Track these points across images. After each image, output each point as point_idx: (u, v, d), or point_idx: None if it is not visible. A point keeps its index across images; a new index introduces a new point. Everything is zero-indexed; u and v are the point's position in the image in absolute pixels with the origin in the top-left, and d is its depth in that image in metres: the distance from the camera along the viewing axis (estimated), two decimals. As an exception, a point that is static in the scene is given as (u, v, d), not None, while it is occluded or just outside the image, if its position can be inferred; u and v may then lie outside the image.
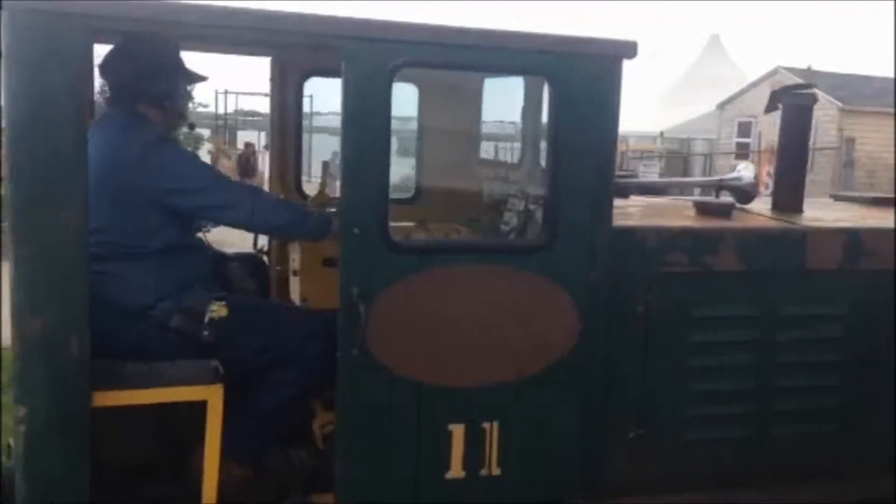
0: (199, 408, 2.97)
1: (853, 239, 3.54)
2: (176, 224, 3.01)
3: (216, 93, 25.38)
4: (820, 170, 22.20)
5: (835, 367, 3.58)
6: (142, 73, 3.02)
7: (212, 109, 24.45)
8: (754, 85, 27.99)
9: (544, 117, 3.74)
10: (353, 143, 2.80)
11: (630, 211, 3.66)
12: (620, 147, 26.06)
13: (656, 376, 3.34)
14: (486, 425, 3.06)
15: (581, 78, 2.96)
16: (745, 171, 3.91)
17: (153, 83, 3.05)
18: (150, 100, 3.07)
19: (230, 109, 25.38)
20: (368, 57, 2.75)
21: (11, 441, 3.40)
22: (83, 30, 2.54)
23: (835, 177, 22.66)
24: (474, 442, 3.05)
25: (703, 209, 3.64)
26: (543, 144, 3.80)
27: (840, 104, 23.21)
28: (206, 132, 22.36)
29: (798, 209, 3.83)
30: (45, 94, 2.51)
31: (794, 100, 3.79)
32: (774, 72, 27.05)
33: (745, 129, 27.87)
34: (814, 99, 3.74)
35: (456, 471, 3.05)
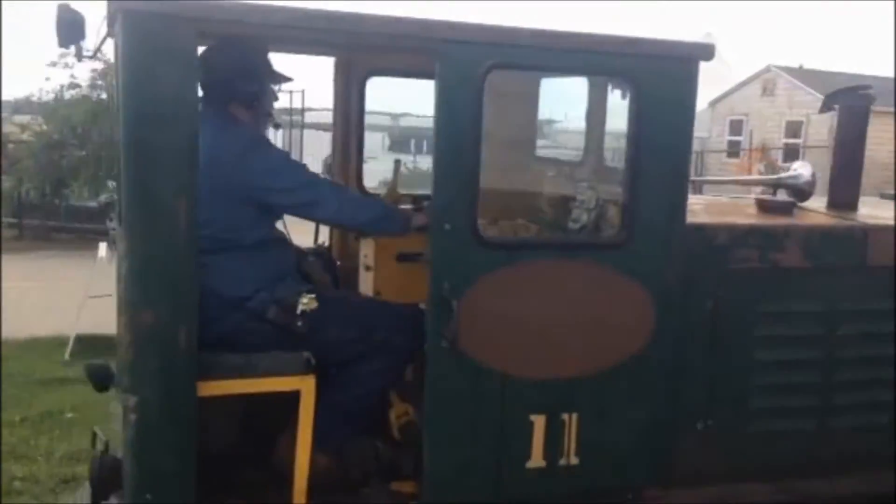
0: (282, 397, 3.07)
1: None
2: (268, 219, 3.12)
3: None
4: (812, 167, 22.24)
5: (891, 360, 3.68)
6: (235, 73, 3.11)
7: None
8: (745, 83, 28.08)
9: (608, 117, 3.86)
10: (445, 142, 2.90)
11: (695, 208, 3.76)
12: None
13: (723, 370, 3.44)
14: (565, 416, 3.16)
15: (661, 79, 3.06)
16: (802, 169, 4.01)
17: (245, 84, 3.14)
18: (242, 100, 3.16)
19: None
20: (462, 59, 2.85)
21: (98, 430, 3.52)
22: (192, 31, 2.63)
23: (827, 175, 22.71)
24: (554, 432, 3.15)
25: (764, 207, 3.74)
26: (607, 143, 3.92)
27: (831, 103, 23.12)
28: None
29: (853, 207, 3.93)
30: (161, 92, 2.61)
31: (850, 101, 3.89)
32: (766, 70, 27.14)
33: (736, 127, 27.91)
34: (871, 100, 3.84)
35: (536, 460, 3.15)
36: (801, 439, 3.60)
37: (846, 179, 3.94)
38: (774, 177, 4.06)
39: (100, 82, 15.27)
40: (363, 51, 3.96)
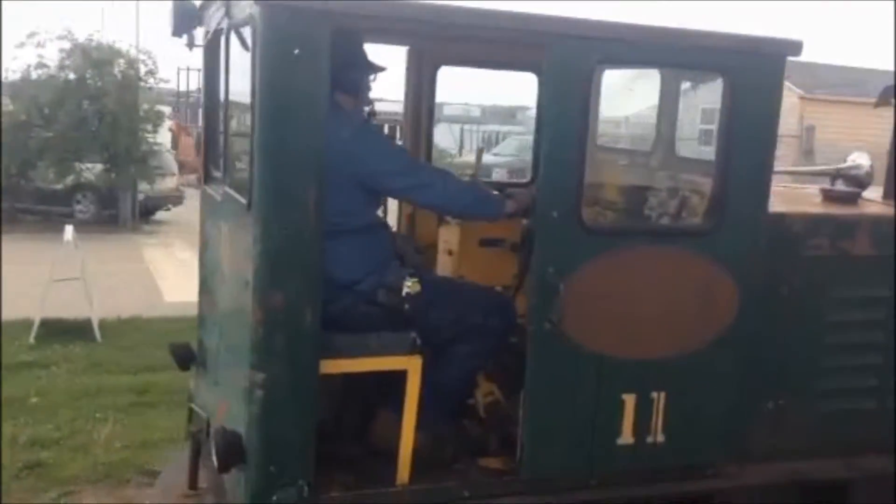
0: (378, 375, 3.20)
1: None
2: (374, 204, 3.25)
3: (178, 70, 25.23)
4: (780, 158, 22.50)
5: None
6: (341, 63, 3.22)
7: (173, 86, 24.33)
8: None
9: (679, 109, 4.01)
10: (554, 133, 3.04)
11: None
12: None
13: (794, 352, 3.61)
14: (654, 395, 3.32)
15: (752, 74, 3.20)
16: (861, 159, 4.18)
17: (350, 73, 3.25)
18: (346, 89, 3.27)
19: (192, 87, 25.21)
20: (572, 53, 2.98)
21: (196, 406, 3.64)
22: (328, 26, 2.74)
23: (796, 165, 23.09)
24: (644, 410, 3.31)
25: (830, 197, 3.91)
26: (678, 133, 4.07)
27: (801, 92, 23.44)
28: (167, 109, 22.59)
29: (901, 197, 4.11)
30: (297, 86, 2.72)
31: (907, 96, 4.07)
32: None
33: (708, 116, 28.08)
34: (927, 95, 4.02)
35: (626, 437, 3.31)
36: (863, 418, 3.79)
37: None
38: (834, 167, 4.23)
39: (68, 62, 15.12)
40: (440, 41, 4.08)
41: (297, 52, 2.71)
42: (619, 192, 4.00)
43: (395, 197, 3.37)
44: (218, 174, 3.67)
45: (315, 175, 2.80)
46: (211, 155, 3.92)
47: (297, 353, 2.89)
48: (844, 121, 22.81)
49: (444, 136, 23.64)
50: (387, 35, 3.61)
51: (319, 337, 2.89)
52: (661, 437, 3.35)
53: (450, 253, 3.84)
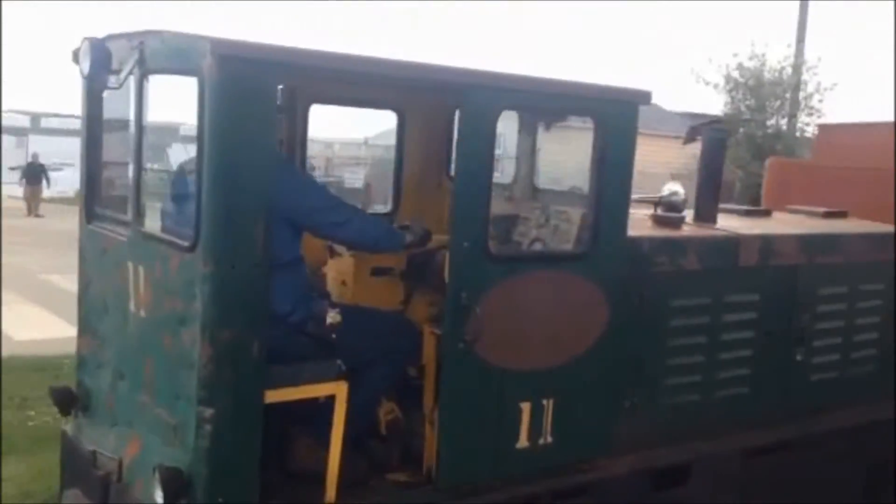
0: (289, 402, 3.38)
1: (766, 242, 4.65)
2: (298, 238, 3.42)
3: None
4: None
5: (752, 341, 4.65)
6: None
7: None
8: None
9: (536, 145, 4.52)
10: (465, 171, 3.40)
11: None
12: (326, 153, 26.66)
13: (645, 355, 4.21)
14: (544, 402, 3.75)
15: (615, 117, 3.75)
16: (677, 187, 4.89)
17: None
18: None
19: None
20: (482, 101, 3.35)
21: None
22: (277, 75, 2.93)
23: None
24: (537, 416, 3.73)
25: (660, 221, 4.56)
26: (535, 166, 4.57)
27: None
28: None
29: (714, 220, 4.87)
30: (246, 128, 2.88)
31: (712, 133, 4.85)
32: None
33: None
34: (728, 133, 4.80)
35: (523, 441, 3.72)
36: (698, 408, 4.46)
37: (709, 197, 4.87)
38: (657, 196, 4.91)
39: None
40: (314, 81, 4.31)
41: (247, 100, 2.87)
42: (510, 222, 4.39)
43: (317, 233, 3.56)
44: (117, 215, 3.66)
45: (263, 214, 2.96)
46: (95, 194, 3.89)
47: (245, 386, 3.03)
48: (645, 149, 24.98)
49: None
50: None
51: (265, 369, 3.04)
52: (549, 439, 3.79)
53: (343, 283, 4.07)
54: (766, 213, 5.47)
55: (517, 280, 3.59)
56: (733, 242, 4.53)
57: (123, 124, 3.85)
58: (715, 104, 22.32)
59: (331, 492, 3.39)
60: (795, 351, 4.84)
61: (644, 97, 3.85)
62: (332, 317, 3.43)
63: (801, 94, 19.51)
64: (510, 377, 3.63)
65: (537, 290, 3.66)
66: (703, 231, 4.60)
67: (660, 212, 4.72)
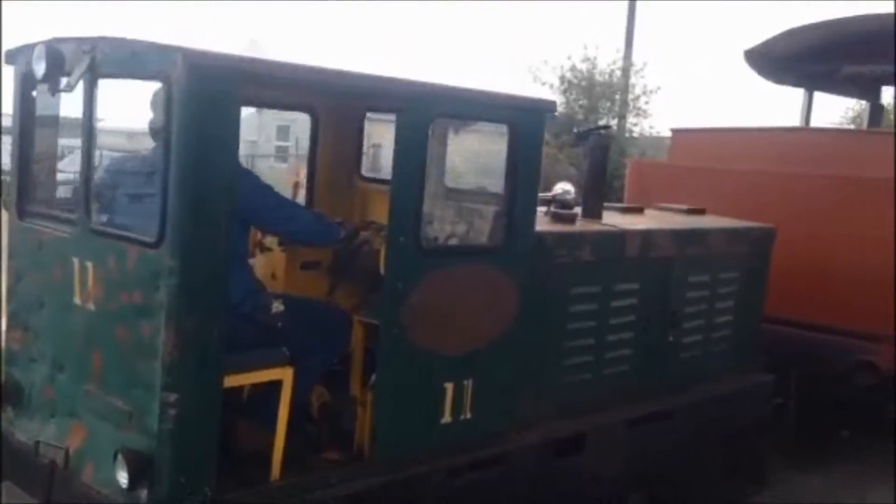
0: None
1: (646, 236, 5.22)
2: (246, 234, 3.64)
3: None
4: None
5: (634, 325, 5.21)
6: None
7: None
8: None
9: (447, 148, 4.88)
10: (401, 174, 3.72)
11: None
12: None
13: (548, 338, 4.66)
14: (465, 382, 4.13)
15: (526, 125, 4.16)
16: (568, 187, 5.37)
17: None
18: None
19: None
20: (417, 109, 3.69)
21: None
22: (241, 81, 3.16)
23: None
24: (459, 395, 4.11)
25: (556, 217, 5.03)
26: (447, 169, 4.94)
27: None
28: None
29: (600, 216, 5.39)
30: (213, 133, 3.10)
31: (596, 139, 5.37)
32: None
33: (283, 133, 29.47)
34: (611, 138, 5.32)
35: (447, 417, 4.09)
36: (592, 385, 4.97)
37: (593, 195, 5.40)
38: (550, 194, 5.38)
39: None
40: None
41: (214, 105, 3.09)
42: (437, 219, 4.72)
43: (265, 229, 3.78)
44: (55, 212, 3.76)
45: (226, 212, 3.19)
46: (27, 192, 3.96)
47: (207, 371, 3.24)
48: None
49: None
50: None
51: (223, 355, 3.27)
52: (469, 415, 4.17)
53: (273, 276, 4.31)
54: (640, 211, 6.07)
55: (444, 272, 3.95)
56: (620, 236, 5.06)
57: (53, 121, 3.96)
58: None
59: (276, 470, 3.64)
60: (668, 332, 5.44)
61: (550, 106, 4.30)
62: (276, 306, 3.68)
63: (630, 96, 20.67)
64: (437, 360, 3.99)
65: (461, 280, 4.03)
66: (594, 226, 5.10)
67: (554, 209, 5.20)
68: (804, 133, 9.52)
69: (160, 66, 3.11)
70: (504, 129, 4.13)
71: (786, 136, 8.68)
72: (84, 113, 3.47)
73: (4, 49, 3.80)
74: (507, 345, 4.30)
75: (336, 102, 5.00)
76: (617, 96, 20.38)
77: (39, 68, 3.36)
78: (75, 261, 3.60)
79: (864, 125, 12.63)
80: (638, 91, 20.51)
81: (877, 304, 6.75)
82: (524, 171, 4.21)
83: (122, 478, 3.20)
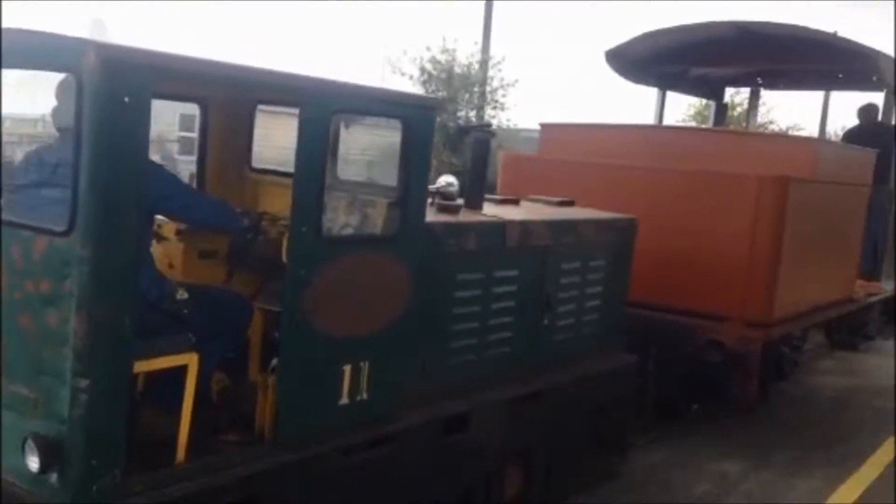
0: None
1: (525, 226, 5.57)
2: (151, 223, 3.71)
3: None
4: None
5: (513, 309, 5.56)
6: None
7: None
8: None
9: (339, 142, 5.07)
10: (303, 166, 3.88)
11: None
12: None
13: (436, 322, 4.93)
14: (362, 364, 4.35)
15: (418, 121, 4.41)
16: (451, 178, 5.64)
17: None
18: None
19: None
20: (318, 105, 3.86)
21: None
22: (153, 76, 3.25)
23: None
24: (356, 376, 4.32)
25: (441, 208, 5.30)
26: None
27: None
28: None
29: (481, 207, 5.71)
30: (124, 125, 3.18)
31: (479, 135, 5.68)
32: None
33: (188, 123, 29.08)
34: (493, 134, 5.65)
35: (345, 398, 4.29)
36: (471, 366, 5.27)
37: (477, 188, 5.70)
38: (434, 186, 5.63)
39: None
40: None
41: (125, 97, 3.17)
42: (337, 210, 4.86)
43: (170, 216, 3.85)
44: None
45: (137, 202, 3.27)
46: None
47: (117, 358, 3.33)
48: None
49: None
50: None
51: (132, 341, 3.36)
52: (365, 396, 4.39)
53: (170, 265, 4.37)
54: (516, 202, 6.43)
55: (343, 259, 4.15)
56: (501, 226, 5.39)
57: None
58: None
59: (181, 453, 3.75)
60: (544, 316, 5.83)
61: (440, 104, 4.56)
62: (181, 294, 3.78)
63: (488, 89, 21.30)
64: (336, 343, 4.18)
65: (358, 267, 4.24)
66: (477, 217, 5.41)
67: (438, 201, 5.46)
68: (661, 130, 10.22)
69: (71, 59, 3.16)
70: (398, 124, 4.35)
71: (645, 132, 9.33)
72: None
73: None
74: (400, 328, 4.53)
75: (225, 94, 5.08)
76: (475, 89, 20.88)
77: None
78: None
79: (711, 123, 13.60)
80: (496, 84, 21.10)
81: (726, 288, 7.42)
82: (416, 164, 4.45)
83: (33, 463, 3.24)
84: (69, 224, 3.21)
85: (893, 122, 10.93)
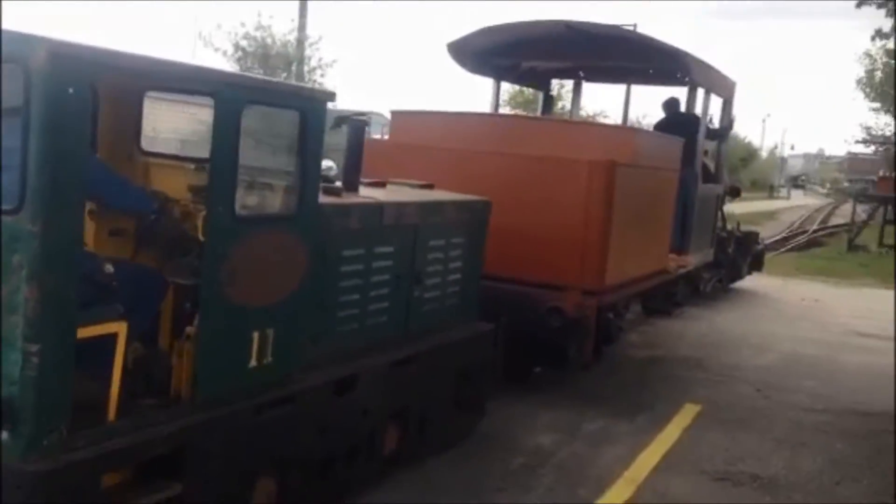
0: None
1: (399, 207, 6.17)
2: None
3: None
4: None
5: (389, 282, 6.15)
6: None
7: None
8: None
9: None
10: (219, 153, 4.30)
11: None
12: None
13: (327, 293, 5.45)
14: (268, 331, 4.81)
15: (312, 112, 4.90)
16: (330, 163, 6.13)
17: None
18: None
19: None
20: (231, 97, 4.28)
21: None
22: (94, 68, 3.59)
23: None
24: (263, 342, 4.77)
25: (325, 190, 5.78)
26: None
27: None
28: None
29: (357, 190, 6.24)
30: (69, 113, 3.52)
31: (355, 123, 6.21)
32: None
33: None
34: (367, 123, 6.19)
35: (253, 361, 4.74)
36: (356, 333, 5.83)
37: (353, 172, 6.23)
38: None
39: None
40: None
41: (70, 90, 3.51)
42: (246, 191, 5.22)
43: (101, 201, 4.14)
44: None
45: (79, 182, 3.62)
46: None
47: (64, 324, 3.66)
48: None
49: None
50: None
51: (76, 310, 3.70)
52: (270, 359, 4.86)
53: (85, 245, 4.64)
54: (383, 185, 7.01)
55: (252, 236, 4.60)
56: (379, 207, 5.96)
57: None
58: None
59: (112, 413, 4.10)
60: (414, 289, 6.46)
61: (331, 96, 5.08)
62: (108, 268, 4.12)
63: (306, 68, 21.27)
64: (246, 312, 4.63)
65: (264, 243, 4.70)
66: (358, 199, 5.96)
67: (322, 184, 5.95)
68: (504, 118, 11.11)
69: (21, 51, 3.46)
70: (296, 115, 4.83)
71: (489, 119, 10.16)
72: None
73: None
74: (298, 299, 5.02)
75: (113, 80, 5.34)
76: (293, 67, 20.76)
77: None
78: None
79: (539, 112, 14.70)
80: (314, 63, 21.07)
81: (564, 261, 8.33)
82: (311, 150, 4.95)
83: None
84: (19, 202, 3.51)
85: (698, 113, 12.31)
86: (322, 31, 32.22)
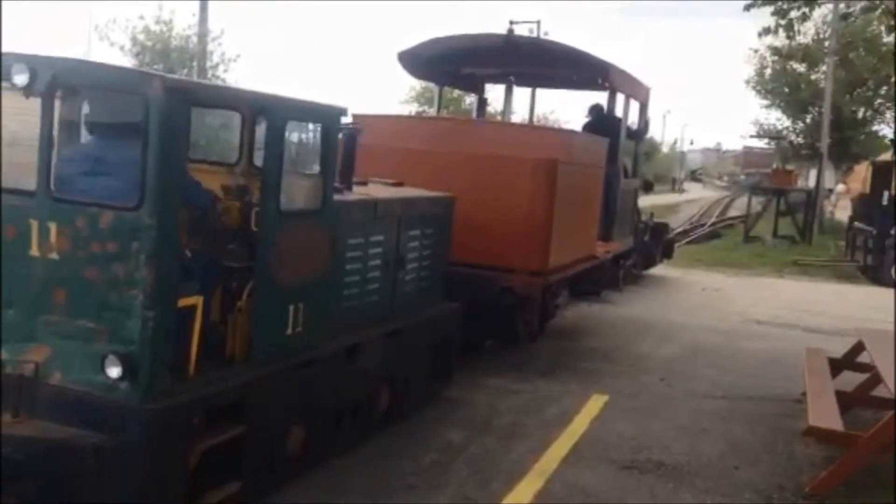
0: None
1: (387, 202, 7.27)
2: None
3: None
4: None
5: (380, 266, 7.24)
6: None
7: None
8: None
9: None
10: (270, 160, 5.34)
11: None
12: None
13: (338, 275, 6.51)
14: (300, 305, 5.86)
15: (331, 124, 5.97)
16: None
17: None
18: None
19: None
20: (278, 115, 5.33)
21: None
22: (191, 99, 4.61)
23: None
24: (296, 314, 5.82)
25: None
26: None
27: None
28: None
29: (351, 188, 7.29)
30: (173, 137, 4.54)
31: (348, 132, 7.25)
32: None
33: None
34: (360, 130, 7.24)
35: (290, 330, 5.79)
36: (356, 309, 6.91)
37: (348, 173, 7.29)
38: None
39: None
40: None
41: (176, 115, 4.52)
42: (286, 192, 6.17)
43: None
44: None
45: (181, 186, 4.63)
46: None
47: (170, 296, 4.68)
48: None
49: None
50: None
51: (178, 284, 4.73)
52: (301, 329, 5.91)
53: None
54: (366, 183, 8.08)
55: (292, 227, 5.65)
56: (374, 202, 7.06)
57: None
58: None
59: (192, 370, 5.10)
60: (398, 272, 7.57)
61: (343, 111, 6.16)
62: (186, 254, 5.12)
63: (208, 64, 20.54)
64: (287, 289, 5.68)
65: (300, 233, 5.76)
66: (356, 196, 7.04)
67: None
68: (457, 121, 12.30)
69: (139, 85, 4.45)
70: (319, 127, 5.91)
71: (443, 123, 11.32)
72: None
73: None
74: (321, 279, 6.09)
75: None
76: (194, 63, 20.21)
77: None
78: (33, 223, 4.70)
79: (474, 114, 15.95)
80: (216, 59, 20.86)
81: (514, 247, 9.55)
82: (330, 155, 6.02)
83: (114, 373, 4.51)
84: (139, 201, 4.51)
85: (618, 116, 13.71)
86: (231, 22, 31.09)
